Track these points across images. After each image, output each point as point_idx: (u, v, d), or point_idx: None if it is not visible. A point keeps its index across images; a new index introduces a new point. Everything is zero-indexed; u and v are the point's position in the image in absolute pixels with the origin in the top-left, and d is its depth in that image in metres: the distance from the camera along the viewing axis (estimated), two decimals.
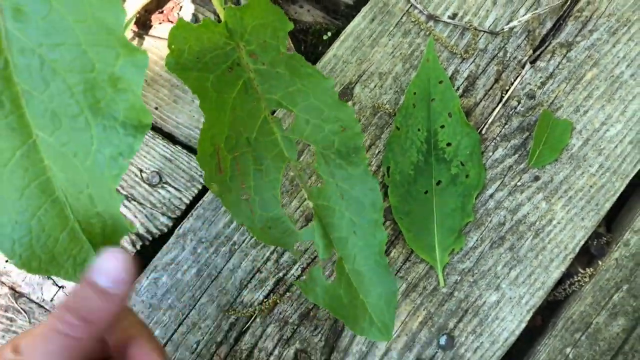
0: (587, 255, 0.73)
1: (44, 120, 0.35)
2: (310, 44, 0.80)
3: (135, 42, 0.77)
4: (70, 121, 0.35)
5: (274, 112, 0.57)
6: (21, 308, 0.69)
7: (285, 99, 0.55)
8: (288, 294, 0.68)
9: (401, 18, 0.75)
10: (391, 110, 0.72)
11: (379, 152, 0.72)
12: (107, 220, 0.37)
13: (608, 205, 0.70)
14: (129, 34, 0.76)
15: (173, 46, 0.53)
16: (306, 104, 0.55)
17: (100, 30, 0.33)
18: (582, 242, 0.69)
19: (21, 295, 0.69)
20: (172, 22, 0.77)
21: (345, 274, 0.53)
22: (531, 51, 0.74)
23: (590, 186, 0.70)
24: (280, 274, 0.68)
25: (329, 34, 0.79)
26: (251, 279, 0.68)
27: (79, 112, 0.35)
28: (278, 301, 0.67)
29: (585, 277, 0.69)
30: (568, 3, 0.75)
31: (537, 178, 0.71)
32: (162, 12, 0.77)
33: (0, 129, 0.34)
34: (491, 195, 0.70)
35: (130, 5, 0.73)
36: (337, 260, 0.54)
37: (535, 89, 0.73)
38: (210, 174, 0.52)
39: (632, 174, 0.71)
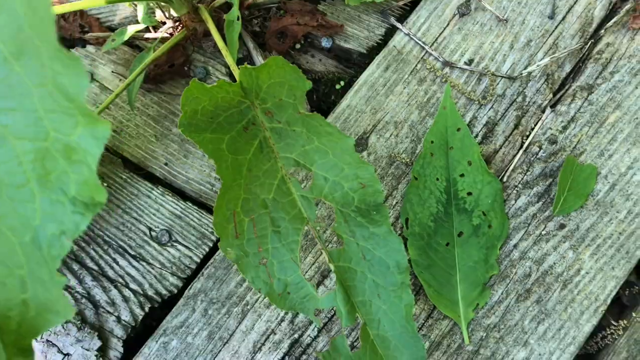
0: (619, 306, 0.70)
1: None
2: (323, 94, 0.79)
3: (143, 97, 0.76)
4: (13, 192, 0.32)
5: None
6: None
7: (303, 157, 0.53)
8: (304, 356, 0.65)
9: (416, 65, 0.74)
10: (408, 160, 0.70)
11: (396, 203, 0.69)
12: (32, 311, 0.33)
13: (639, 253, 0.67)
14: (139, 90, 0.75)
15: (186, 107, 0.52)
16: (324, 161, 0.53)
17: (60, 97, 0.30)
18: (614, 292, 0.66)
19: None
20: (182, 76, 0.76)
21: (370, 340, 0.51)
22: (551, 95, 0.72)
23: (620, 233, 0.67)
24: (296, 335, 0.65)
25: (342, 83, 0.77)
26: (265, 341, 0.65)
27: (24, 183, 0.31)
28: None
29: (618, 329, 0.66)
30: (587, 45, 0.73)
31: (562, 226, 0.68)
32: (172, 66, 0.76)
33: None
34: (515, 246, 0.68)
35: (139, 60, 0.73)
36: (362, 326, 0.51)
37: (557, 134, 0.71)
38: (226, 240, 0.50)
39: None
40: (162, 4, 0.70)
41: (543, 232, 0.68)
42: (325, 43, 0.77)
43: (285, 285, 0.51)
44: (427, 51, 0.74)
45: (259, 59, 0.76)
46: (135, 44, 0.79)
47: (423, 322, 0.66)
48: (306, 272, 0.67)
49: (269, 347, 0.65)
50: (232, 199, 0.50)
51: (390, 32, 0.77)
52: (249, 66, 0.52)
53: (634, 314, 0.66)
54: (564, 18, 0.74)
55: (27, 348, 0.33)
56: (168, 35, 0.76)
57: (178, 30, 0.75)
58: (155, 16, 0.75)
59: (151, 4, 0.75)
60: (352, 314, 0.51)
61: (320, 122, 0.51)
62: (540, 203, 0.69)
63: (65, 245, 0.32)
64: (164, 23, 0.77)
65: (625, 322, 0.66)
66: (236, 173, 0.50)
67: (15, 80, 0.30)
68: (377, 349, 0.51)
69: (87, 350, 0.63)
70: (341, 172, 0.52)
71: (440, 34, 0.75)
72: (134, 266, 0.69)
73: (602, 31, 0.73)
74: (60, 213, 0.31)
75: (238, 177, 0.51)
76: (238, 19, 0.64)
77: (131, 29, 0.73)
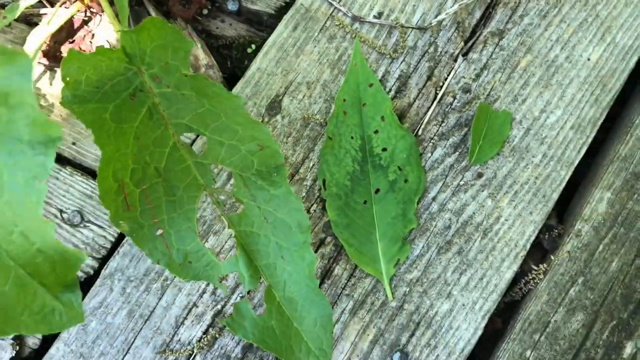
0: (542, 250, 0.70)
1: None
2: (236, 59, 0.76)
3: (46, 75, 0.72)
4: None
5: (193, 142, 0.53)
6: None
7: (195, 121, 0.51)
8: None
9: (325, 23, 0.72)
10: (322, 120, 0.69)
11: (313, 165, 0.68)
12: (53, 254, 0.34)
13: (555, 196, 0.67)
14: (37, 68, 0.72)
15: (68, 78, 0.49)
16: (217, 124, 0.51)
17: None
18: (533, 238, 0.66)
19: None
20: (84, 50, 0.73)
21: (276, 303, 0.49)
22: (462, 43, 0.71)
23: (536, 178, 0.68)
24: (219, 306, 0.64)
25: (253, 46, 0.75)
26: (187, 314, 0.64)
27: None
28: (218, 335, 0.63)
29: (539, 273, 0.67)
30: None
31: (480, 175, 0.68)
32: (72, 41, 0.72)
33: None
34: (434, 198, 0.67)
35: (35, 36, 0.69)
36: (266, 289, 0.50)
37: (470, 82, 0.70)
38: (117, 212, 0.48)
39: (577, 161, 0.68)
40: None
41: (461, 183, 0.68)
42: (232, 6, 0.75)
43: (185, 254, 0.49)
44: (335, 7, 0.72)
45: None
46: (33, 22, 0.75)
47: (345, 282, 0.65)
48: (226, 241, 0.65)
49: (192, 321, 0.64)
50: (119, 169, 0.48)
51: None
52: (127, 29, 0.49)
53: (552, 257, 0.66)
54: None
55: (71, 283, 0.38)
56: (66, 9, 0.73)
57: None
58: None
59: None
60: (255, 278, 0.50)
61: (206, 82, 0.49)
62: (457, 154, 0.68)
63: (40, 189, 0.33)
64: None
65: (545, 266, 0.67)
66: (121, 142, 0.48)
67: None
68: (283, 311, 0.50)
69: (2, 339, 0.61)
70: (236, 134, 0.51)
71: None
72: None
73: None
74: (23, 161, 0.32)
75: (123, 147, 0.48)
76: None
77: (23, 4, 0.69)
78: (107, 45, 0.74)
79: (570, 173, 0.68)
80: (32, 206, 0.33)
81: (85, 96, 0.50)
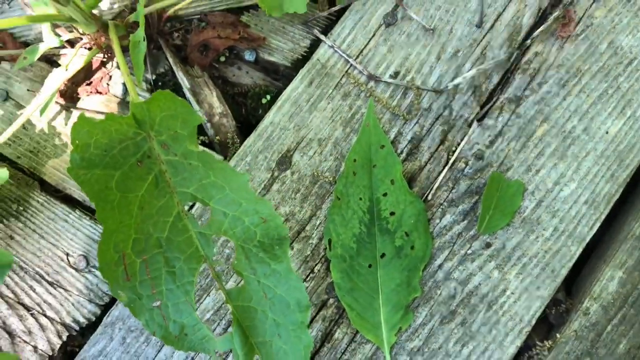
0: (547, 324, 0.69)
1: None
2: (251, 108, 0.76)
3: (62, 115, 0.73)
4: None
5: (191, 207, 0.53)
6: None
7: (200, 191, 0.51)
8: None
9: (340, 80, 0.71)
10: (332, 179, 0.69)
11: (320, 223, 0.68)
12: None
13: (565, 272, 0.66)
14: (53, 108, 0.72)
15: (78, 141, 0.49)
16: (222, 196, 0.51)
17: None
18: (539, 313, 0.65)
19: None
20: (101, 93, 0.73)
21: None
22: (478, 108, 0.70)
23: (545, 251, 0.66)
24: None
25: (268, 97, 0.75)
26: None
27: None
28: None
29: (544, 349, 0.65)
30: (515, 56, 0.71)
31: (488, 245, 0.67)
32: (90, 83, 0.73)
33: None
34: (440, 266, 0.66)
35: (52, 79, 0.69)
36: None
37: (484, 149, 0.69)
38: (116, 283, 0.48)
39: (589, 237, 0.67)
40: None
41: (468, 252, 0.67)
42: (249, 56, 0.75)
43: (181, 327, 0.49)
44: (351, 64, 0.72)
45: (180, 74, 0.73)
46: (53, 60, 0.76)
47: (345, 346, 0.64)
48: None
49: None
50: (121, 240, 0.48)
51: (316, 43, 0.75)
52: (139, 101, 0.49)
53: (557, 335, 0.65)
54: (492, 27, 0.72)
55: None
56: (86, 49, 0.73)
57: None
58: (62, 35, 0.72)
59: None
60: (250, 356, 0.49)
61: (213, 158, 0.49)
62: (466, 221, 0.67)
63: None
64: (82, 38, 0.74)
65: (550, 342, 0.65)
66: (124, 214, 0.48)
67: None
68: None
69: None
70: (240, 207, 0.50)
71: (366, 45, 0.73)
72: (51, 293, 0.67)
73: (529, 40, 0.70)
74: None
75: (127, 218, 0.48)
76: (144, 40, 0.61)
77: (43, 47, 0.70)
78: (119, 88, 0.74)
79: (581, 249, 0.66)
80: None
81: (93, 159, 0.50)
